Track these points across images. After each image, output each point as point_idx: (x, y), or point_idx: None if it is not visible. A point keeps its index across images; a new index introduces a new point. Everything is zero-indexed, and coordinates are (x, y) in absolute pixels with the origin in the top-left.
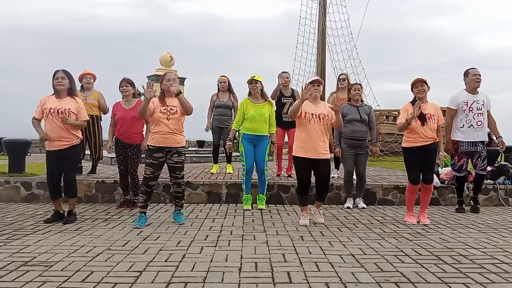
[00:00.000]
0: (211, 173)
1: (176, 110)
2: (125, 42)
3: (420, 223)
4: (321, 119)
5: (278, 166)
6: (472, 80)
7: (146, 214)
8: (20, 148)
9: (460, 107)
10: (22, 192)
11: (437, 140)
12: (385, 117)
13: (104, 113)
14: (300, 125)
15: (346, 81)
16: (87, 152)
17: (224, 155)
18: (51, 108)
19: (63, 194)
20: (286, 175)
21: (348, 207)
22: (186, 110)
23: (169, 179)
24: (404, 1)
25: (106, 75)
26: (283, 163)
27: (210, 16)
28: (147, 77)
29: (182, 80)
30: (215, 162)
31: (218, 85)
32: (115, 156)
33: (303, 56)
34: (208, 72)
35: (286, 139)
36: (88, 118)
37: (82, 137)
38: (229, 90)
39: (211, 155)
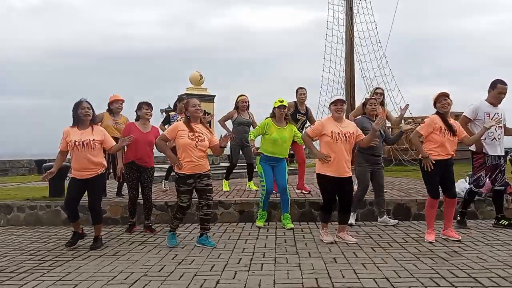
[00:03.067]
0: (224, 191)
1: (204, 138)
2: (157, 60)
3: (451, 239)
4: (348, 137)
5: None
6: (495, 97)
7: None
8: (59, 173)
9: (481, 118)
10: (62, 215)
11: (454, 155)
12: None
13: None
14: (326, 144)
15: (382, 97)
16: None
17: (246, 170)
18: (75, 141)
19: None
20: (299, 192)
21: (351, 224)
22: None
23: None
24: (435, 3)
25: (136, 93)
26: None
27: (238, 29)
28: (178, 96)
29: (211, 98)
30: (227, 178)
31: (238, 104)
32: (126, 180)
33: (331, 67)
34: (236, 85)
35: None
36: (114, 143)
37: (106, 165)
38: (248, 107)
39: (240, 170)
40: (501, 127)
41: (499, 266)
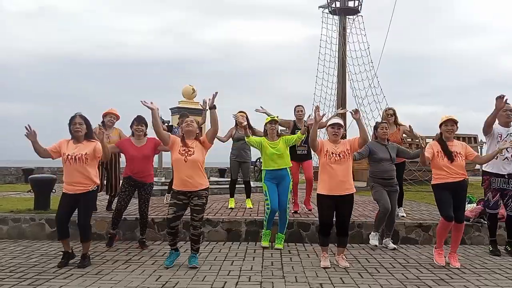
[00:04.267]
0: (229, 208)
1: (193, 152)
2: (150, 68)
3: (451, 265)
4: (342, 156)
5: (295, 203)
6: (503, 116)
7: (178, 250)
8: (46, 185)
9: (494, 138)
10: (46, 229)
11: (467, 177)
12: (408, 144)
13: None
14: (322, 165)
15: (394, 117)
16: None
17: (244, 188)
18: (68, 154)
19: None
20: (307, 209)
21: (375, 245)
22: (216, 125)
23: (189, 216)
24: (428, 23)
25: (129, 100)
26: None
27: (232, 42)
28: (170, 109)
29: (204, 112)
30: (232, 196)
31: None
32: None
33: (323, 85)
34: (229, 96)
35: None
36: (108, 157)
37: (99, 183)
38: (249, 125)
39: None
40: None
41: None
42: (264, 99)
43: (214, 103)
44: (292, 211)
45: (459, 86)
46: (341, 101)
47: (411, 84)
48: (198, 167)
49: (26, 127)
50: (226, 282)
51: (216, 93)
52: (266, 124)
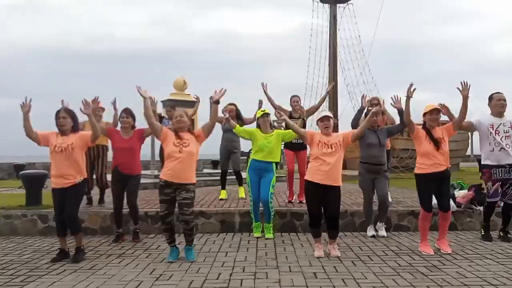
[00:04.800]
0: (220, 199)
1: (189, 143)
2: (142, 61)
3: (442, 251)
4: (333, 148)
5: (290, 192)
6: (496, 105)
7: (177, 246)
8: (37, 181)
9: (485, 130)
10: (39, 225)
11: (449, 167)
12: (399, 134)
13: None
14: (314, 154)
15: (379, 105)
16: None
17: (235, 177)
18: (55, 145)
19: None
20: (298, 201)
21: (372, 235)
22: (215, 119)
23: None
24: (418, 10)
25: (122, 93)
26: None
27: (223, 33)
28: (162, 101)
29: (195, 104)
30: (223, 187)
31: (225, 113)
32: (110, 188)
33: (315, 74)
34: (222, 87)
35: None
36: (89, 133)
37: (86, 175)
38: (237, 117)
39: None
40: (508, 136)
41: (478, 282)
42: (258, 90)
43: (219, 99)
44: (287, 201)
45: (450, 73)
46: (333, 90)
47: (402, 72)
48: (191, 160)
49: (23, 102)
50: (220, 273)
51: (225, 90)
52: (258, 118)
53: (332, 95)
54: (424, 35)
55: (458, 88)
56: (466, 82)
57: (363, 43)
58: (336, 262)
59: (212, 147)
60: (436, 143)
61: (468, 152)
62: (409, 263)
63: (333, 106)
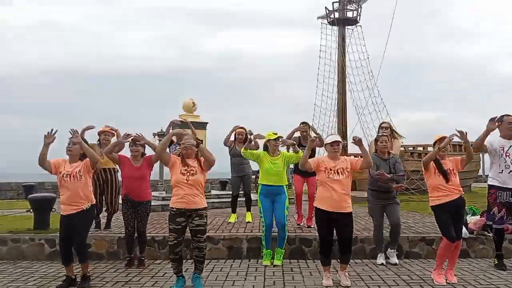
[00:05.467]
0: (228, 222)
1: (196, 171)
2: (152, 81)
3: (448, 281)
4: (340, 173)
5: (298, 215)
6: (506, 128)
7: (183, 275)
8: (45, 204)
9: (496, 152)
10: (46, 249)
11: (463, 193)
12: (409, 154)
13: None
14: (321, 180)
15: (389, 129)
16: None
17: (244, 200)
18: (64, 174)
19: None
20: (306, 226)
21: (382, 264)
22: (208, 159)
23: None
24: (427, 27)
25: (131, 112)
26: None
27: (232, 52)
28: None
29: (204, 125)
30: (233, 211)
31: (235, 136)
32: (122, 215)
33: (324, 95)
34: (231, 106)
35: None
36: (99, 157)
37: (94, 201)
38: (245, 140)
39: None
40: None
41: None
42: (267, 109)
43: (197, 141)
44: (296, 224)
45: (458, 91)
46: (342, 111)
47: (411, 90)
48: (199, 187)
49: (48, 132)
50: None
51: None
52: (269, 140)
53: (342, 116)
54: (433, 53)
55: (456, 135)
56: (463, 131)
57: (372, 62)
58: None
59: (220, 167)
60: (445, 175)
61: (480, 172)
62: None
63: (342, 127)
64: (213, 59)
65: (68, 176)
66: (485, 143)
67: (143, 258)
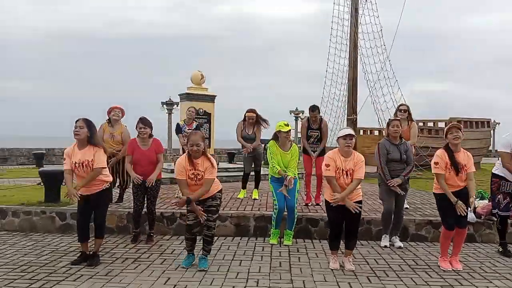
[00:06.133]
0: (237, 198)
1: (202, 176)
2: (159, 45)
3: (452, 267)
4: (349, 175)
5: (307, 195)
6: None
7: (194, 254)
8: (55, 178)
9: None
10: (57, 222)
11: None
12: (419, 129)
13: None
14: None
15: (407, 112)
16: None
17: (254, 177)
18: (76, 162)
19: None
20: (315, 204)
21: (385, 246)
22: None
23: None
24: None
25: (138, 78)
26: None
27: (241, 16)
28: (179, 95)
29: (212, 98)
30: (244, 187)
31: (246, 118)
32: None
33: (335, 68)
34: (239, 73)
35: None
36: (105, 166)
37: (111, 180)
38: (258, 124)
39: (241, 174)
40: None
41: None
42: (277, 77)
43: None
44: (304, 204)
45: (472, 63)
46: (353, 84)
47: (424, 61)
48: (207, 185)
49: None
50: (234, 287)
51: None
52: (280, 131)
53: (352, 90)
54: (446, 24)
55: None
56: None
57: (386, 32)
58: (351, 278)
59: (228, 133)
60: (457, 169)
61: (490, 147)
62: (425, 281)
63: (352, 101)
64: (221, 24)
65: (81, 165)
66: (506, 147)
67: (152, 234)
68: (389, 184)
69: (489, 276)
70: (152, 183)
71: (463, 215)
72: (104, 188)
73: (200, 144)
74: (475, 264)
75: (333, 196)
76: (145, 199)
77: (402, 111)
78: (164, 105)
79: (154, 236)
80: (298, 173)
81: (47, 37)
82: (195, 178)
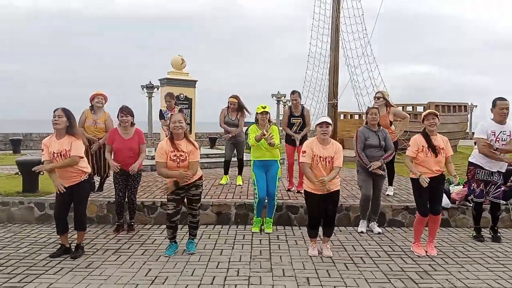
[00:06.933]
0: (219, 184)
1: (186, 157)
2: (143, 25)
3: (428, 253)
4: (328, 162)
5: (290, 181)
6: (498, 113)
7: (176, 242)
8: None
9: (488, 136)
10: (35, 212)
11: (444, 171)
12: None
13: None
14: (312, 165)
15: (381, 99)
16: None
17: (237, 165)
18: (54, 152)
19: (70, 227)
20: (296, 191)
21: (361, 231)
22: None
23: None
24: None
25: (122, 58)
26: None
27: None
28: (159, 80)
29: (193, 83)
30: (226, 173)
31: (228, 104)
32: (113, 181)
33: (317, 52)
34: (224, 58)
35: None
36: (82, 155)
37: (90, 172)
38: (241, 110)
39: (223, 160)
40: (505, 144)
41: None
42: (263, 60)
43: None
44: (286, 189)
45: (458, 48)
46: (334, 69)
47: (406, 44)
48: (192, 167)
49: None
50: (214, 277)
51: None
52: (257, 113)
53: (334, 75)
54: (429, 6)
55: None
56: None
57: (368, 13)
58: (329, 265)
59: (210, 116)
60: (434, 150)
61: (467, 130)
62: (401, 268)
63: (333, 87)
64: (207, 6)
65: (59, 155)
66: (481, 133)
67: (132, 223)
68: (368, 168)
69: (461, 261)
70: (134, 171)
71: (424, 186)
72: (83, 180)
73: (182, 122)
74: (448, 249)
75: (311, 184)
76: (126, 190)
77: (377, 98)
78: (144, 89)
79: (135, 225)
80: (280, 159)
81: (25, 16)
82: (178, 160)
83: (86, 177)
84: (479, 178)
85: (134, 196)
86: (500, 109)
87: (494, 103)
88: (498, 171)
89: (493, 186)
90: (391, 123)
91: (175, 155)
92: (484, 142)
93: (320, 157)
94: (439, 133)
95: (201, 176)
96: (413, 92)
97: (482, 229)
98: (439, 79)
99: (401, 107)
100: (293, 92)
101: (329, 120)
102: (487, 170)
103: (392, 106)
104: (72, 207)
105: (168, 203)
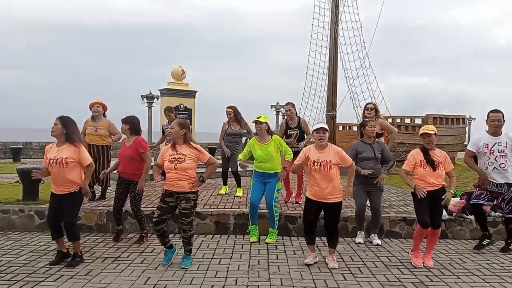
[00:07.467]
0: (219, 194)
1: (184, 159)
2: (141, 36)
3: (425, 264)
4: (323, 166)
5: (287, 193)
6: (490, 126)
7: (172, 245)
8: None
9: (481, 150)
10: (36, 220)
11: (445, 185)
12: (396, 126)
13: (118, 139)
14: (307, 171)
15: (374, 111)
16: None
17: (234, 179)
18: (51, 159)
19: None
20: (295, 201)
21: (359, 242)
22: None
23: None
24: None
25: (122, 68)
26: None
27: (224, 9)
28: (159, 90)
29: (193, 94)
30: (224, 183)
31: (227, 115)
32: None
33: (316, 64)
34: (222, 65)
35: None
36: (91, 161)
37: (81, 185)
38: (237, 119)
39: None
40: (503, 156)
41: None
42: (257, 69)
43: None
44: (284, 202)
45: (451, 57)
46: (332, 81)
47: (402, 55)
48: (188, 172)
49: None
50: (213, 286)
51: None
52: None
53: (332, 86)
54: (428, 17)
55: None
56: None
57: (366, 24)
58: (327, 275)
59: (209, 126)
60: (433, 165)
61: (466, 142)
62: (398, 278)
63: (332, 97)
64: (204, 16)
65: (54, 162)
66: (472, 147)
67: (143, 235)
68: (362, 174)
69: (458, 272)
70: (140, 189)
71: (422, 197)
72: (73, 191)
73: (174, 127)
74: (445, 260)
75: (310, 193)
76: (127, 198)
77: (369, 109)
78: (144, 98)
79: (146, 237)
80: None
81: (21, 25)
82: (175, 161)
83: (77, 189)
84: (486, 188)
85: (136, 207)
86: (491, 121)
87: (487, 116)
88: (506, 183)
89: (502, 202)
90: (378, 134)
91: (173, 157)
92: (470, 154)
93: (314, 161)
94: (437, 145)
95: (196, 192)
96: (413, 103)
97: (497, 241)
98: (436, 86)
99: (400, 119)
100: (287, 104)
101: (326, 126)
102: (493, 181)
103: (380, 118)
104: None
105: (155, 210)
